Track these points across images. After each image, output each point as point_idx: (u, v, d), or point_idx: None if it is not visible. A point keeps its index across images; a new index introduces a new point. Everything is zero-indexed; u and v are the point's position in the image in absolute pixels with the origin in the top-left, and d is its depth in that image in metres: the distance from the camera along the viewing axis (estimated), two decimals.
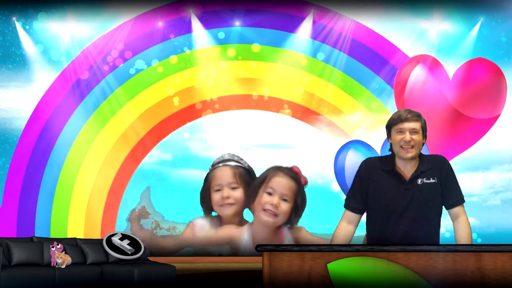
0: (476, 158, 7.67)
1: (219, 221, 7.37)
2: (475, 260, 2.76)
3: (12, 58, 7.76)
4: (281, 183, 7.09)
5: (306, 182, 7.18)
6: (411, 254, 2.77)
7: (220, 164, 7.39)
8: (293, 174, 7.14)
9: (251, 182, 7.34)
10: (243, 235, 7.16)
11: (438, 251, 2.78)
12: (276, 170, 7.19)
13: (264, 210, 7.06)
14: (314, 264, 2.77)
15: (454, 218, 3.59)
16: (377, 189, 3.55)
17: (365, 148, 7.51)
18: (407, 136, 3.46)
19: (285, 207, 7.05)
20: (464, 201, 3.58)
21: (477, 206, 7.64)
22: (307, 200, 7.30)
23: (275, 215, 7.05)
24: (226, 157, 7.45)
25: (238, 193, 7.29)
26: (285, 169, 7.18)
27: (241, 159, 7.47)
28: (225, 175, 7.32)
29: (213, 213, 7.41)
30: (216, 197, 7.29)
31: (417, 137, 3.49)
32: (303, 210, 7.18)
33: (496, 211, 7.65)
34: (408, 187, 3.49)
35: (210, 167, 7.48)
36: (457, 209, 3.56)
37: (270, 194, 7.06)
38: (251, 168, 7.47)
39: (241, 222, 7.33)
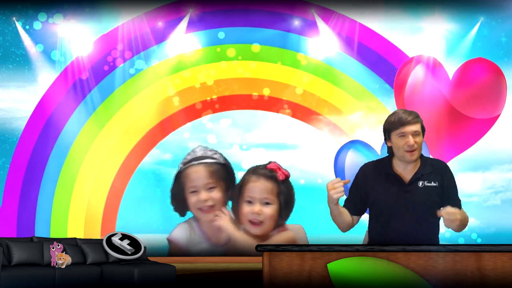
0: (476, 158, 7.66)
1: (196, 221, 7.18)
2: (475, 260, 2.76)
3: (12, 58, 7.76)
4: (257, 187, 6.69)
5: (286, 176, 6.74)
6: (411, 254, 2.77)
7: (194, 162, 7.13)
8: (269, 172, 6.73)
9: (228, 177, 7.06)
10: (241, 239, 6.92)
11: (438, 251, 2.78)
12: (251, 174, 6.78)
13: (249, 221, 6.73)
14: (314, 264, 2.77)
15: None
16: (376, 193, 3.54)
17: (365, 148, 7.51)
18: (411, 140, 3.43)
19: (268, 211, 6.67)
20: (461, 207, 3.60)
21: (477, 206, 7.63)
22: (308, 200, 7.18)
23: (260, 222, 6.72)
24: (199, 153, 7.10)
25: (216, 193, 7.00)
26: (260, 170, 6.78)
27: (216, 153, 7.17)
28: (200, 175, 6.98)
29: (189, 214, 7.26)
30: (192, 199, 7.01)
31: (419, 139, 3.48)
32: (290, 207, 6.82)
33: (496, 211, 7.65)
34: (408, 189, 3.48)
35: (181, 165, 7.14)
36: None
37: (250, 202, 6.68)
38: (227, 160, 7.17)
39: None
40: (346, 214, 3.64)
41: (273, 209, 6.75)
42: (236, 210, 6.89)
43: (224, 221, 6.91)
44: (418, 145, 3.47)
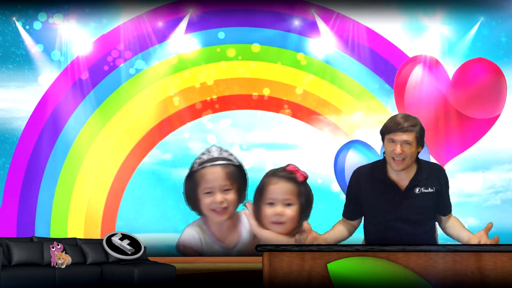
0: (476, 158, 7.66)
1: (205, 223, 7.18)
2: (475, 260, 2.76)
3: (12, 58, 7.76)
4: (278, 189, 6.82)
5: (305, 177, 6.87)
6: (411, 254, 2.77)
7: (209, 164, 7.13)
8: (288, 174, 6.86)
9: (242, 179, 7.09)
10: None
11: (438, 251, 2.78)
12: (271, 176, 6.91)
13: (272, 222, 6.83)
14: (314, 264, 2.77)
15: (445, 221, 3.60)
16: (370, 199, 3.51)
17: (365, 148, 7.50)
18: (398, 149, 3.34)
19: (290, 211, 6.81)
20: (451, 211, 3.61)
21: (477, 206, 7.63)
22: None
23: (283, 223, 6.82)
24: (215, 153, 7.11)
25: (231, 196, 7.01)
26: (279, 172, 6.90)
27: (231, 154, 7.20)
28: (216, 177, 6.99)
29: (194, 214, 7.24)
30: (207, 200, 6.99)
31: (409, 149, 3.35)
32: (310, 207, 6.94)
33: (496, 211, 7.64)
34: (405, 196, 3.43)
35: (195, 165, 7.11)
36: (448, 216, 3.60)
37: (271, 204, 6.81)
38: (241, 163, 7.20)
39: (233, 222, 7.16)
40: (341, 232, 3.63)
41: (294, 209, 6.85)
42: (257, 213, 6.92)
43: (250, 219, 6.99)
44: (406, 155, 3.35)
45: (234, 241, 7.12)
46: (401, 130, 3.35)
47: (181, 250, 7.19)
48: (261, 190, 6.91)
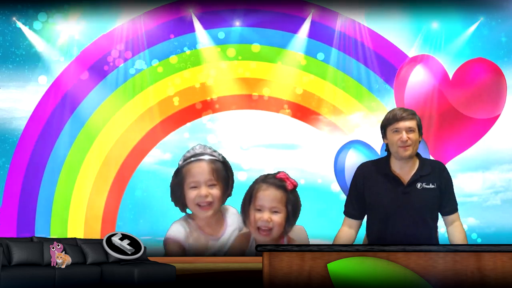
0: (476, 158, 7.67)
1: (192, 218, 7.20)
2: (475, 260, 2.76)
3: (12, 58, 7.76)
4: (267, 196, 6.84)
5: (294, 186, 6.90)
6: (411, 254, 2.77)
7: (195, 158, 7.08)
8: (279, 182, 6.87)
9: (227, 176, 7.09)
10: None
11: (438, 251, 2.78)
12: (261, 182, 6.92)
13: (258, 228, 6.86)
14: (314, 264, 2.77)
15: (449, 224, 3.59)
16: (374, 194, 3.53)
17: (365, 148, 7.51)
18: (404, 135, 3.43)
19: (277, 219, 6.83)
20: (457, 209, 3.60)
21: (477, 206, 7.63)
22: (308, 200, 7.21)
23: (269, 230, 6.85)
24: (198, 150, 7.11)
25: (216, 191, 7.03)
26: (270, 179, 6.91)
27: (214, 151, 7.18)
28: (202, 171, 7.02)
29: (188, 211, 7.20)
30: (192, 194, 7.00)
31: (414, 136, 3.46)
32: (296, 216, 6.95)
33: (496, 211, 7.65)
34: (407, 190, 3.46)
35: (180, 162, 7.13)
36: (452, 216, 3.58)
37: (259, 210, 6.84)
38: (225, 158, 7.20)
39: (219, 217, 7.19)
40: (348, 236, 3.63)
41: (281, 216, 6.86)
42: (245, 216, 6.97)
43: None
44: (412, 141, 3.45)
45: (219, 234, 7.15)
46: (403, 119, 3.45)
47: (167, 245, 7.16)
48: (250, 195, 6.92)
